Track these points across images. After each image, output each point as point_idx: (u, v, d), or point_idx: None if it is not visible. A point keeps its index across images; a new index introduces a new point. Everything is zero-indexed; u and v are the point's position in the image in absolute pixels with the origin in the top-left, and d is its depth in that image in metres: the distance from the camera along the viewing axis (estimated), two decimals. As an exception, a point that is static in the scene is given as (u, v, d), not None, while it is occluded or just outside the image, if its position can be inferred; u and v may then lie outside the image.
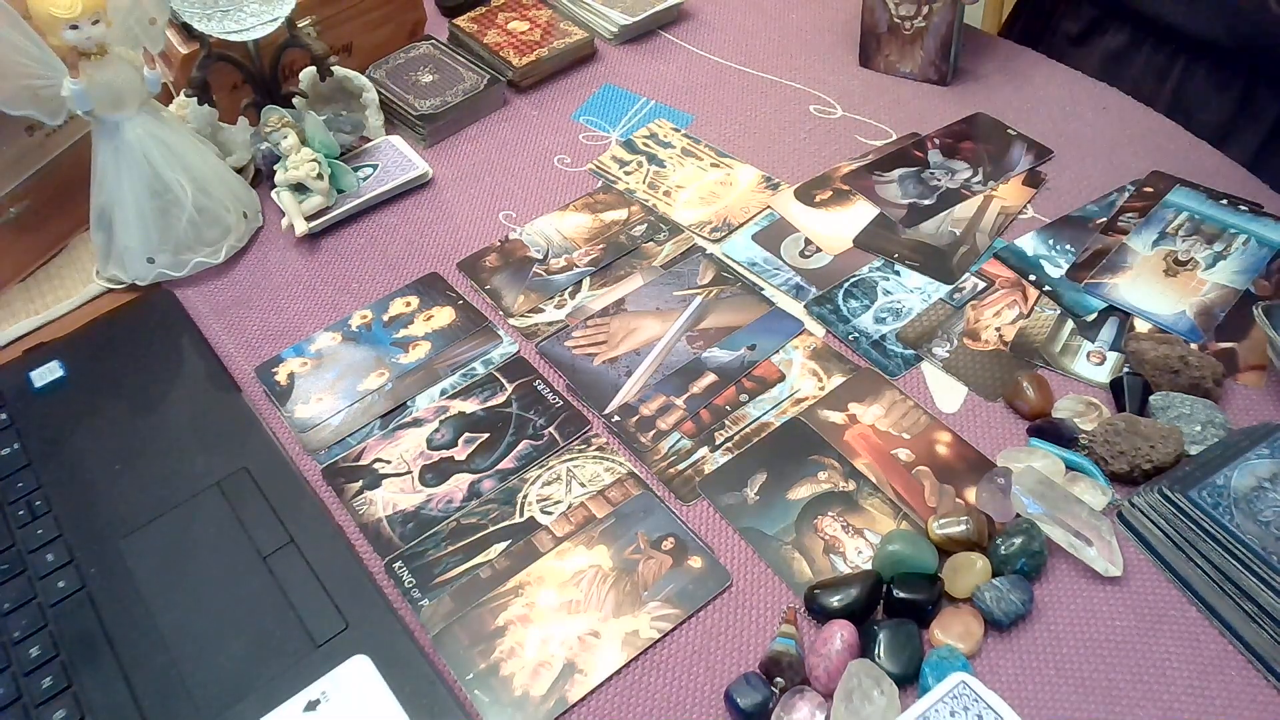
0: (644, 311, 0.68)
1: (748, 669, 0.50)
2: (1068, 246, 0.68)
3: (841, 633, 0.48)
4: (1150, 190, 0.71)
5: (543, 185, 0.79)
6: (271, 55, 0.78)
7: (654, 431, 0.60)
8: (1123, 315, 0.64)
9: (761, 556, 0.54)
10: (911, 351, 0.63)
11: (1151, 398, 0.57)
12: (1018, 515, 0.53)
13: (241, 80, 0.79)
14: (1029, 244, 0.69)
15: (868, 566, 0.52)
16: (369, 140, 0.82)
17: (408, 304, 0.70)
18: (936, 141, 0.78)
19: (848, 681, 0.47)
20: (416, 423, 0.62)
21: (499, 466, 0.59)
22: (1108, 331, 0.63)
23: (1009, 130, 0.78)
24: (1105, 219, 0.70)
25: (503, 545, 0.56)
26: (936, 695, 0.46)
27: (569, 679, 0.50)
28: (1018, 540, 0.51)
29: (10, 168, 0.71)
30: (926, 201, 0.73)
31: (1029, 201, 0.72)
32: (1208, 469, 0.51)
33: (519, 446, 0.60)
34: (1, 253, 0.73)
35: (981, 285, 0.67)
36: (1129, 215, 0.69)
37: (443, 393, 0.64)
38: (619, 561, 0.54)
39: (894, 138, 0.79)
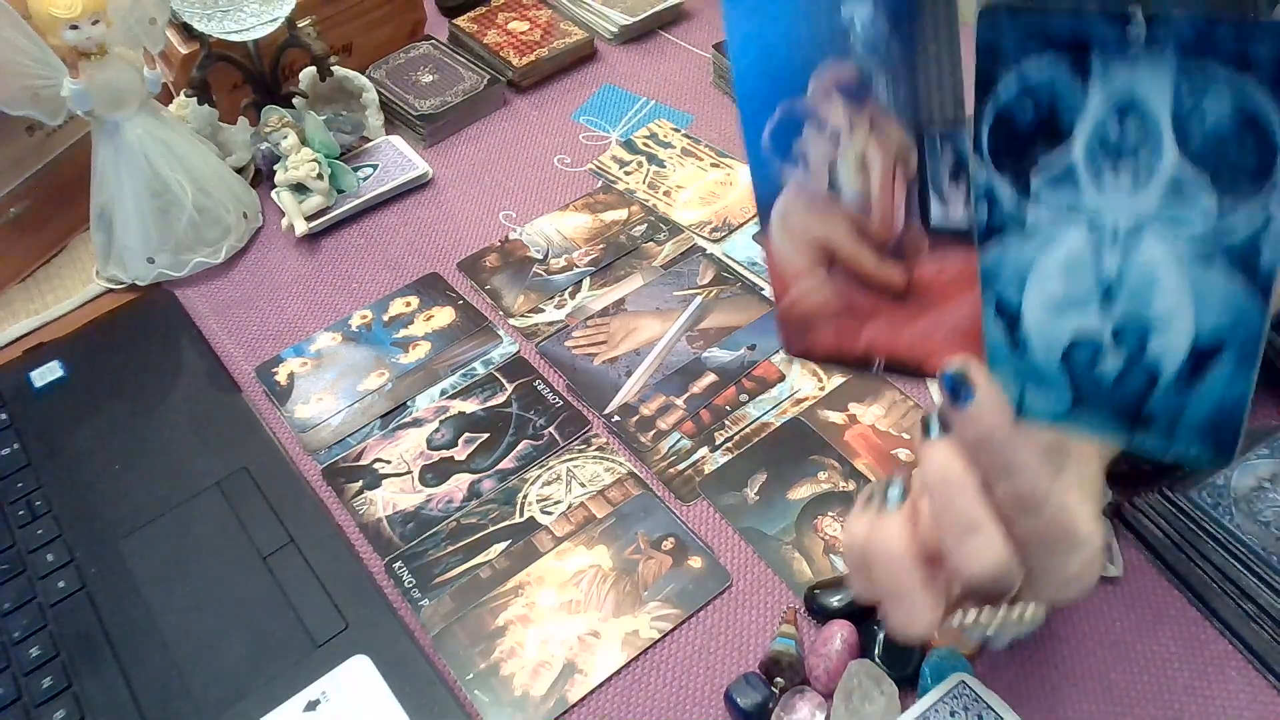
0: (644, 311, 0.68)
1: (748, 669, 0.50)
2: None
3: (841, 633, 0.48)
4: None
5: (543, 185, 0.79)
6: (271, 55, 0.78)
7: (654, 431, 0.60)
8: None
9: (761, 556, 0.54)
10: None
11: (1151, 398, 0.57)
12: (1018, 515, 0.52)
13: (241, 80, 0.79)
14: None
15: (868, 566, 0.52)
16: (369, 140, 0.82)
17: (408, 304, 0.70)
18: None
19: (848, 681, 0.47)
20: (416, 423, 0.62)
21: (499, 466, 0.59)
22: (1108, 331, 0.63)
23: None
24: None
25: (503, 545, 0.56)
26: (936, 695, 0.46)
27: (569, 679, 0.50)
28: (1018, 540, 0.51)
29: (10, 168, 0.71)
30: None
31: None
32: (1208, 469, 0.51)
33: (519, 446, 0.60)
34: (1, 253, 0.73)
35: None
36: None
37: (443, 393, 0.64)
38: (619, 561, 0.54)
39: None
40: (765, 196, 0.37)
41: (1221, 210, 0.27)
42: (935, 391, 0.35)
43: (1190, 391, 0.30)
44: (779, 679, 0.48)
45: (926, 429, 0.35)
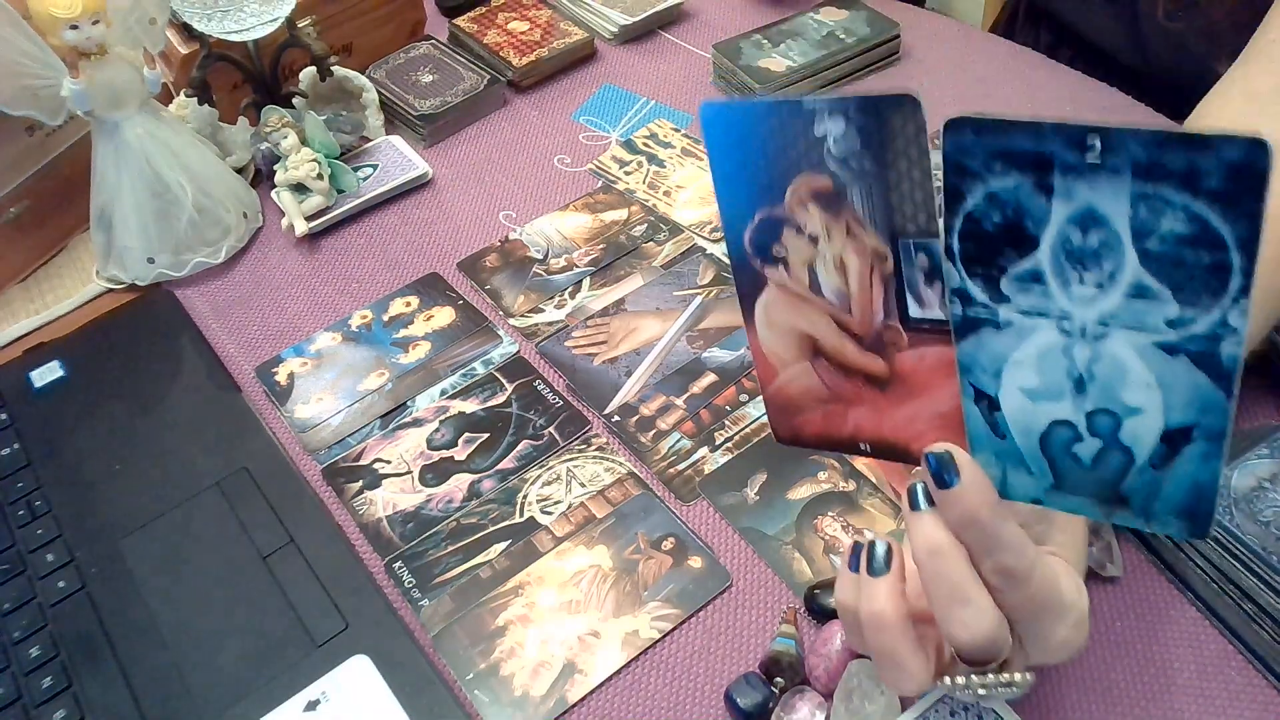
0: (644, 311, 0.68)
1: (748, 669, 0.50)
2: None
3: (841, 633, 0.48)
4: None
5: (543, 185, 0.79)
6: (271, 55, 0.78)
7: (654, 431, 0.60)
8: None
9: (761, 556, 0.54)
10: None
11: (1151, 398, 0.57)
12: (1018, 515, 0.52)
13: (241, 80, 0.79)
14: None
15: (868, 566, 0.52)
16: (369, 140, 0.82)
17: (408, 304, 0.70)
18: (937, 142, 0.78)
19: (848, 681, 0.47)
20: (416, 423, 0.62)
21: (499, 466, 0.59)
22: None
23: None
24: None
25: (503, 545, 0.56)
26: (936, 695, 0.46)
27: (569, 679, 0.50)
28: (1018, 540, 0.51)
29: (10, 168, 0.71)
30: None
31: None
32: (1208, 469, 0.51)
33: (519, 446, 0.60)
34: (1, 253, 0.73)
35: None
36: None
37: (443, 393, 0.64)
38: (619, 561, 0.54)
39: (894, 138, 0.79)
40: (747, 293, 0.38)
41: (1181, 314, 0.29)
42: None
43: (1164, 472, 0.32)
44: (779, 679, 0.48)
45: (914, 501, 0.36)
